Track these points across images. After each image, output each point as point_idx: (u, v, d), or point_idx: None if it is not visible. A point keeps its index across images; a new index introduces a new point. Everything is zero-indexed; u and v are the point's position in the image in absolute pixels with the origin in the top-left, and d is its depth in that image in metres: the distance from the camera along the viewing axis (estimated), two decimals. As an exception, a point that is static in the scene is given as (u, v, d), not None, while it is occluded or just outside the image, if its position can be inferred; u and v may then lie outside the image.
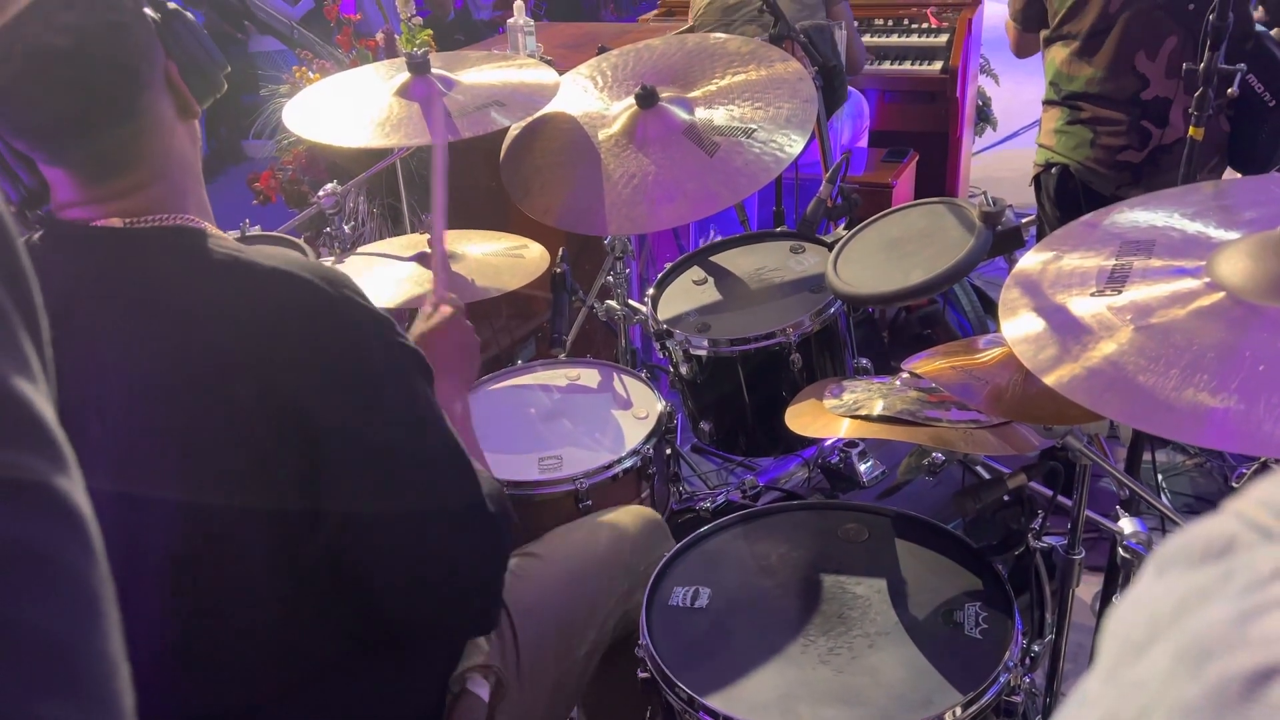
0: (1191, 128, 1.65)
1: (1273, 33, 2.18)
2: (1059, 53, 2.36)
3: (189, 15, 1.04)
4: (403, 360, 1.04)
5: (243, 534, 0.99)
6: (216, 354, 0.95)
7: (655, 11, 4.07)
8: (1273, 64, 2.16)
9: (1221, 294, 1.00)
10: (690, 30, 3.10)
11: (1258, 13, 2.26)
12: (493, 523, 1.09)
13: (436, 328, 1.36)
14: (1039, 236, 2.60)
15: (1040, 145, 2.48)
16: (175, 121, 1.03)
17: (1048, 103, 2.46)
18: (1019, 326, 1.09)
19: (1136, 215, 1.19)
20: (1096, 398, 0.92)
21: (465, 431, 1.32)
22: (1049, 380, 0.98)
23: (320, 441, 0.96)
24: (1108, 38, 2.25)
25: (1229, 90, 1.64)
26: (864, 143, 3.63)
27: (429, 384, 1.06)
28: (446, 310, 1.39)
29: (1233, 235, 1.08)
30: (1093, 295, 1.07)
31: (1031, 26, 2.45)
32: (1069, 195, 2.38)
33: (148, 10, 1.00)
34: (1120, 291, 1.06)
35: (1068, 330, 1.04)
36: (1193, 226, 1.13)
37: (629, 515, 1.54)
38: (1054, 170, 2.41)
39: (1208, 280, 1.02)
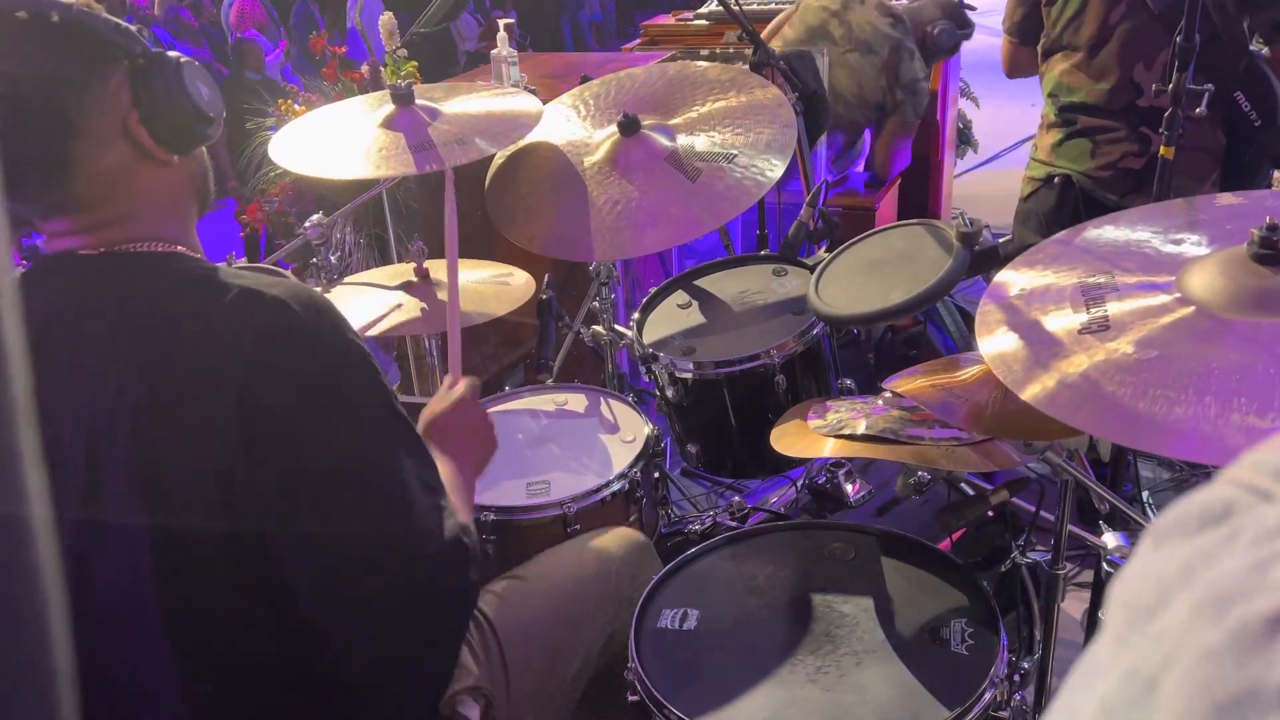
0: (1162, 147, 1.67)
1: (1264, 52, 2.21)
2: (1059, 64, 2.39)
3: (176, 62, 1.04)
4: (370, 384, 1.03)
5: (217, 553, 0.99)
6: (185, 370, 0.96)
7: (637, 41, 4.12)
8: (1263, 85, 2.19)
9: (1192, 308, 1.02)
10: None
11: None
12: (453, 559, 1.06)
13: (449, 409, 1.36)
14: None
15: (1038, 161, 2.48)
16: (138, 165, 1.03)
17: (1045, 122, 2.47)
18: (996, 344, 1.11)
19: (1109, 232, 1.22)
20: (1071, 412, 0.94)
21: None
22: (1025, 395, 1.00)
23: (281, 456, 0.96)
24: (1107, 48, 2.28)
25: (1197, 110, 1.67)
26: (860, 167, 3.68)
27: (396, 415, 1.06)
28: (460, 388, 1.39)
29: (1202, 251, 1.11)
30: (1067, 312, 1.09)
31: (1029, 40, 2.48)
32: (1068, 205, 2.38)
33: (125, 56, 1.00)
34: (1095, 308, 1.08)
35: (1043, 346, 1.05)
36: (1164, 242, 1.16)
37: (616, 538, 1.55)
38: (1056, 180, 2.42)
39: (1178, 295, 1.04)
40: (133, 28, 1.04)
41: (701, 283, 1.97)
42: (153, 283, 1.02)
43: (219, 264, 1.07)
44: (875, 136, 3.42)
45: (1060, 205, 2.40)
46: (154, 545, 0.98)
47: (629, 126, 1.90)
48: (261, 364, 0.96)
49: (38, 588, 0.33)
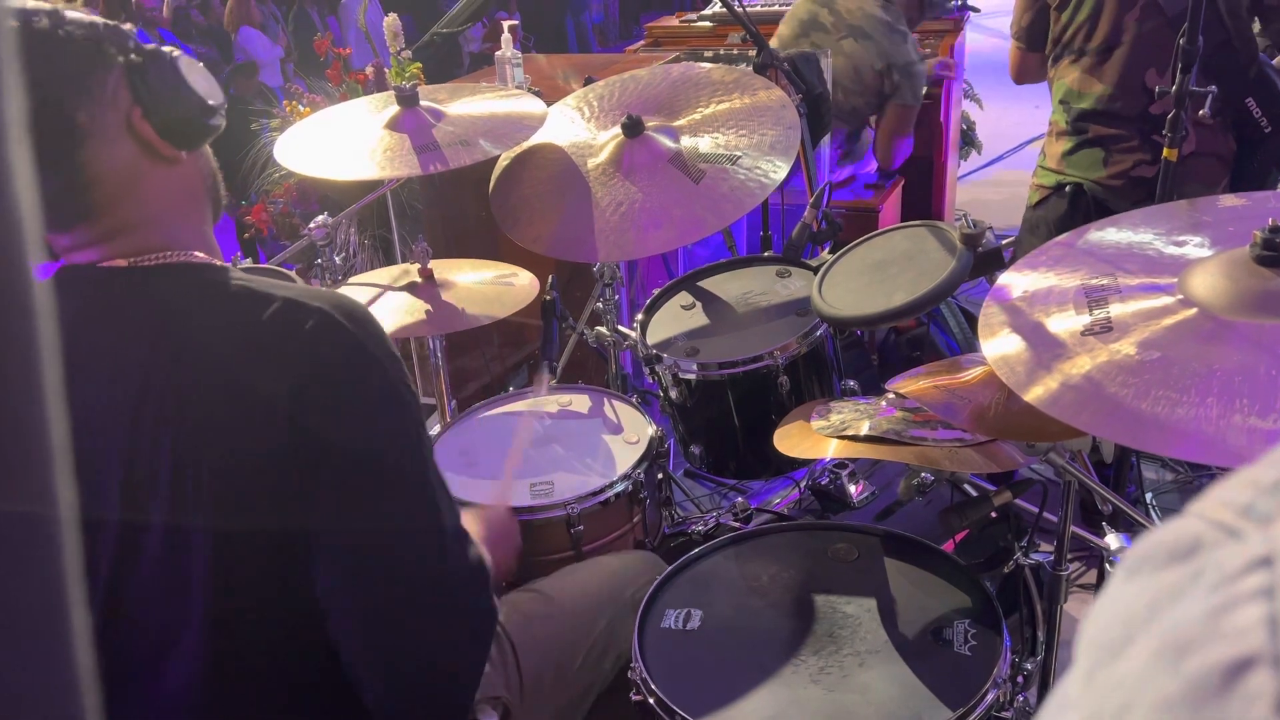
0: (1165, 149, 1.67)
1: (1275, 61, 2.20)
2: (1069, 71, 2.36)
3: (170, 57, 1.03)
4: (409, 397, 1.04)
5: (254, 562, 0.99)
6: (227, 380, 0.96)
7: (642, 42, 4.13)
8: (1273, 91, 2.18)
9: (1194, 310, 1.02)
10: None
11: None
12: (479, 577, 1.07)
13: (494, 514, 1.46)
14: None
15: (1047, 169, 2.45)
16: (147, 164, 1.02)
17: (1055, 129, 2.45)
18: (999, 345, 1.11)
19: (1112, 235, 1.22)
20: (1073, 413, 0.94)
21: None
22: (1028, 397, 1.00)
23: (319, 465, 0.96)
24: (1118, 54, 2.25)
25: (1200, 112, 1.67)
26: (872, 168, 3.68)
27: (421, 428, 1.06)
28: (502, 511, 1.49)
29: (1204, 252, 1.11)
30: (1070, 314, 1.10)
31: (1037, 45, 2.45)
32: (1079, 214, 2.36)
33: (119, 55, 0.99)
34: (1097, 309, 1.08)
35: (1046, 347, 1.06)
36: (1167, 244, 1.16)
37: (634, 560, 1.59)
38: (1067, 189, 2.39)
39: (1180, 297, 1.05)
40: (124, 26, 1.03)
41: (705, 284, 1.97)
42: (188, 296, 1.01)
43: (249, 273, 1.07)
44: (878, 127, 3.42)
45: (1071, 214, 2.37)
46: (187, 552, 0.98)
47: (633, 128, 1.90)
48: (311, 377, 0.96)
49: (62, 590, 0.33)
